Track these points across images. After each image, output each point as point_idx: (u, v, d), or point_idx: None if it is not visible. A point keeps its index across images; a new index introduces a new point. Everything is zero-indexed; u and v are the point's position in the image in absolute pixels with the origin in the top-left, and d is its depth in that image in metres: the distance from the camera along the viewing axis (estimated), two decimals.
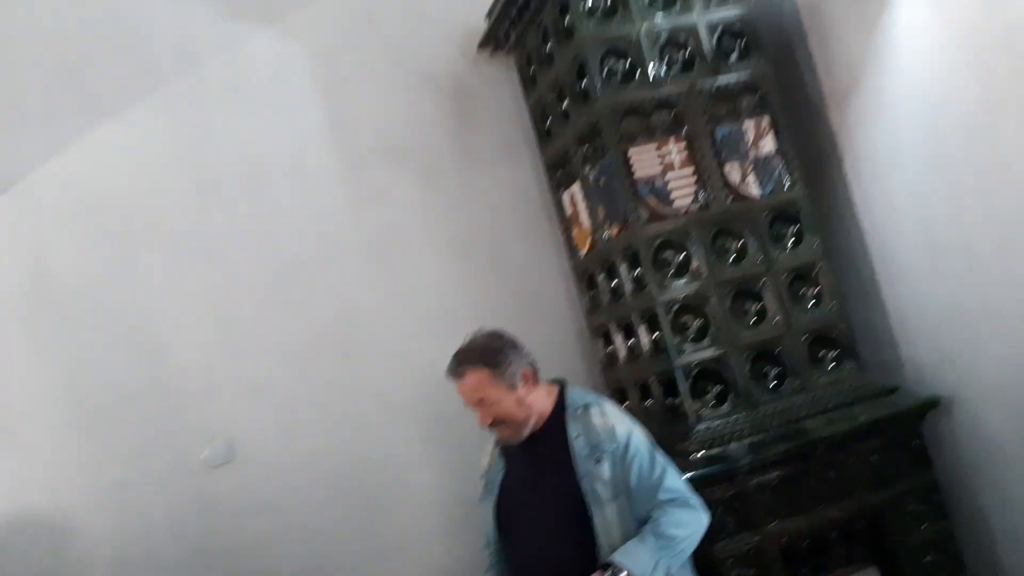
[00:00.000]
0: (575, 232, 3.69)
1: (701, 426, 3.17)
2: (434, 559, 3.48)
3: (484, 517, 2.67)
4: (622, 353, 3.54)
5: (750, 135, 3.38)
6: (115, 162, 3.47)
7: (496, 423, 2.51)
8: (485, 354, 2.50)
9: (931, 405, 3.31)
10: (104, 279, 3.41)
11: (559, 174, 3.73)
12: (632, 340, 3.45)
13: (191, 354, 3.44)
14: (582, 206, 3.56)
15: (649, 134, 3.31)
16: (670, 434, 3.24)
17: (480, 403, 2.49)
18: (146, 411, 3.38)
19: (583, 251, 3.66)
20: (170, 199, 3.50)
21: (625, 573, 2.30)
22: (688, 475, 3.00)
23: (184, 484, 3.37)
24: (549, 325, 3.79)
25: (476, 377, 2.48)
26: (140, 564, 3.28)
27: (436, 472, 3.58)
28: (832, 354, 3.36)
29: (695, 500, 2.46)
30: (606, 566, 2.32)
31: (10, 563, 3.14)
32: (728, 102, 3.40)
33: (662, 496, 2.42)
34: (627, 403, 3.58)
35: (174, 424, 3.40)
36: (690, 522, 2.41)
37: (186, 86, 3.57)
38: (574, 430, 2.50)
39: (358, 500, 3.51)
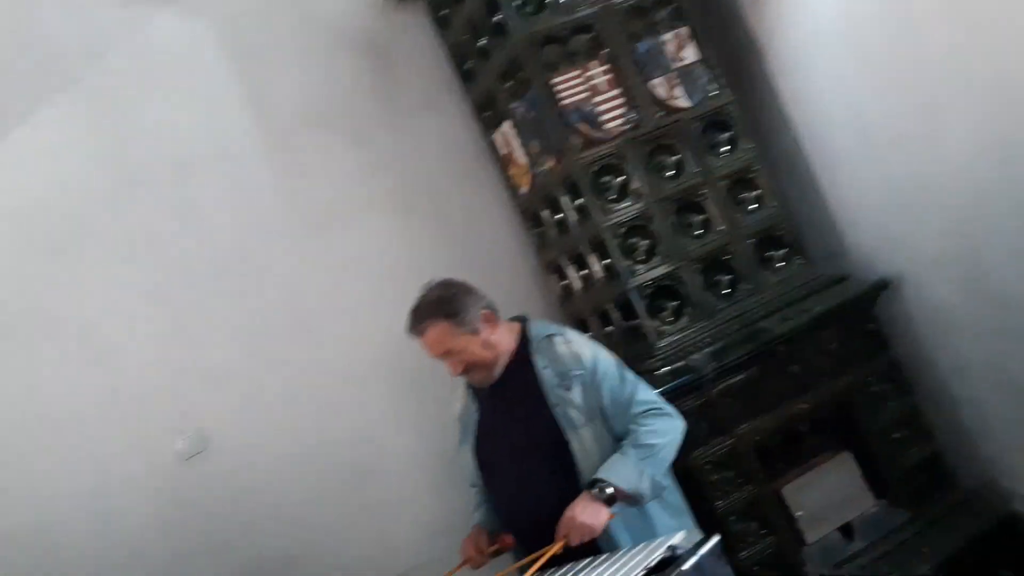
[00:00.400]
0: (512, 171, 3.67)
1: (662, 342, 3.22)
2: (426, 512, 3.50)
3: (464, 461, 2.70)
4: (577, 284, 3.56)
5: (671, 47, 3.37)
6: (32, 170, 3.35)
7: (467, 370, 2.53)
8: (441, 305, 2.51)
9: (881, 287, 3.39)
10: (40, 295, 3.31)
11: (487, 115, 3.69)
12: (584, 270, 3.47)
13: (145, 351, 3.38)
14: (515, 144, 3.54)
15: (570, 60, 3.29)
16: (634, 355, 3.27)
17: (447, 354, 2.51)
18: (110, 416, 3.32)
19: (523, 189, 3.65)
20: (96, 199, 3.39)
21: (612, 488, 2.34)
22: (658, 390, 3.05)
23: (161, 480, 3.33)
24: (502, 268, 3.78)
25: (437, 330, 2.49)
26: (127, 566, 3.26)
27: (411, 430, 3.59)
28: (779, 253, 3.41)
29: (669, 408, 2.50)
30: (592, 484, 2.36)
31: None
32: (644, 17, 3.38)
33: (636, 409, 2.46)
34: (589, 332, 3.61)
35: (141, 423, 3.35)
36: (667, 429, 2.45)
37: (96, 80, 3.44)
38: (541, 361, 2.52)
39: (337, 470, 3.50)
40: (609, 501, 2.35)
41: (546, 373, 2.50)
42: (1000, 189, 2.88)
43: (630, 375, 2.55)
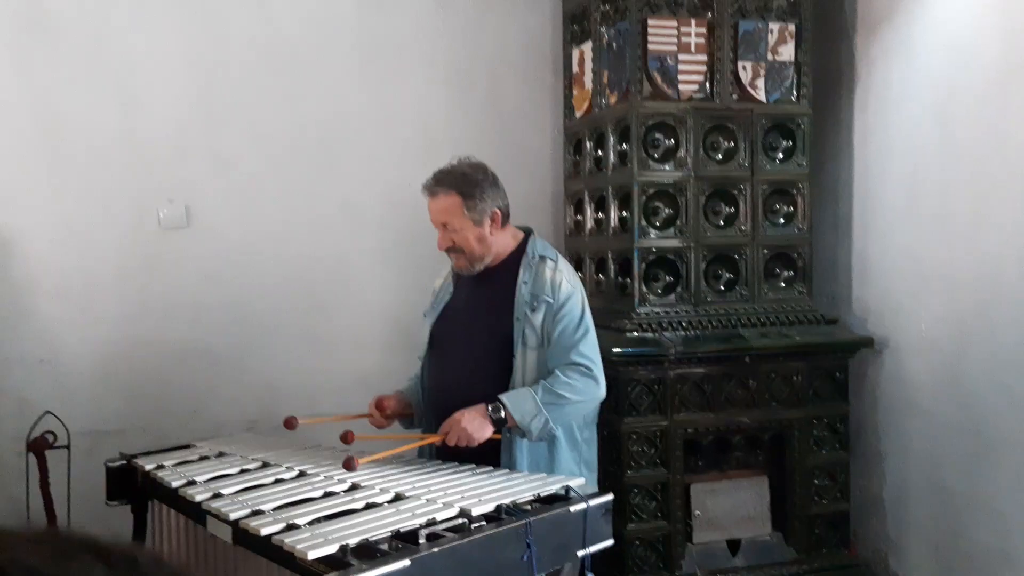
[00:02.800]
0: (575, 92, 3.65)
1: (643, 309, 3.25)
2: (364, 366, 3.57)
3: (421, 331, 2.75)
4: (589, 224, 3.57)
5: (772, 38, 3.32)
6: None
7: (453, 250, 2.56)
8: (463, 182, 2.52)
9: (864, 344, 3.41)
10: (96, 15, 3.32)
11: (575, 28, 3.65)
12: (601, 213, 3.48)
13: (165, 114, 3.40)
14: (588, 67, 3.51)
15: (673, 10, 3.24)
16: (613, 310, 3.32)
17: (444, 227, 2.53)
18: (112, 159, 3.36)
19: (579, 112, 3.62)
20: None
21: (504, 414, 2.40)
22: (619, 349, 3.11)
23: (135, 239, 3.40)
24: (527, 179, 3.78)
25: (448, 201, 2.51)
26: (77, 297, 3.33)
27: (385, 286, 3.64)
28: (787, 274, 3.43)
29: (598, 372, 2.54)
30: (492, 401, 2.43)
31: None
32: None
33: (572, 358, 2.50)
34: (580, 273, 3.63)
35: (137, 180, 3.39)
36: (584, 390, 2.49)
37: None
38: (524, 275, 2.55)
39: (303, 294, 3.57)
40: (498, 423, 2.41)
41: (523, 288, 2.54)
42: (1011, 296, 2.88)
43: (588, 324, 2.57)
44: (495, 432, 2.42)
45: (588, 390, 2.49)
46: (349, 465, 2.27)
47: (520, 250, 2.61)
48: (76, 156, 3.33)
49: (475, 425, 2.38)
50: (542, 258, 2.60)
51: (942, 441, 3.18)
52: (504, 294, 2.55)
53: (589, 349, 2.52)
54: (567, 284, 2.56)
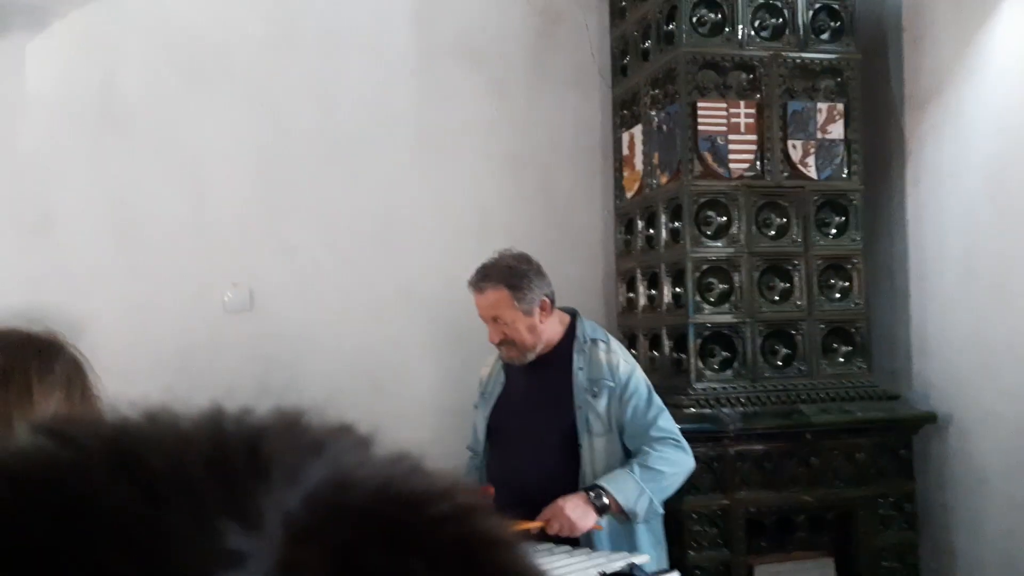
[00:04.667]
0: (626, 173, 3.72)
1: (700, 385, 3.24)
2: (418, 446, 3.58)
3: (475, 423, 2.75)
4: (642, 301, 3.60)
5: (821, 117, 3.37)
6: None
7: (504, 342, 2.57)
8: (509, 275, 2.54)
9: (928, 420, 3.35)
10: (166, 108, 3.49)
11: (625, 113, 3.74)
12: (654, 290, 3.50)
13: (231, 202, 3.54)
14: (639, 149, 3.58)
15: (722, 92, 3.32)
16: (669, 387, 3.29)
17: (494, 320, 2.55)
18: (180, 245, 3.49)
19: (629, 193, 3.69)
20: (241, 44, 3.56)
21: (608, 499, 2.38)
22: (678, 427, 3.08)
23: (200, 321, 3.49)
24: (579, 260, 3.84)
25: (496, 295, 2.53)
26: (141, 378, 3.41)
27: (437, 372, 3.67)
28: (845, 349, 3.40)
29: (685, 443, 2.53)
30: (591, 488, 2.40)
31: None
32: (808, 79, 3.39)
33: (654, 434, 2.49)
34: (634, 350, 3.64)
35: (202, 264, 3.51)
36: (678, 461, 2.48)
37: None
38: (579, 361, 2.56)
39: (360, 377, 3.61)
40: (601, 510, 2.39)
41: (580, 375, 2.55)
42: None
43: (657, 400, 2.58)
44: (597, 523, 2.39)
45: (681, 460, 2.48)
46: None
47: (569, 334, 2.62)
48: (146, 241, 3.46)
49: (578, 513, 2.35)
50: (594, 341, 2.61)
51: (1015, 519, 3.08)
52: (561, 382, 2.56)
53: (667, 422, 2.51)
54: (624, 364, 2.57)
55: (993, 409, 3.17)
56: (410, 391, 3.68)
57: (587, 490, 2.40)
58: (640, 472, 2.41)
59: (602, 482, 2.40)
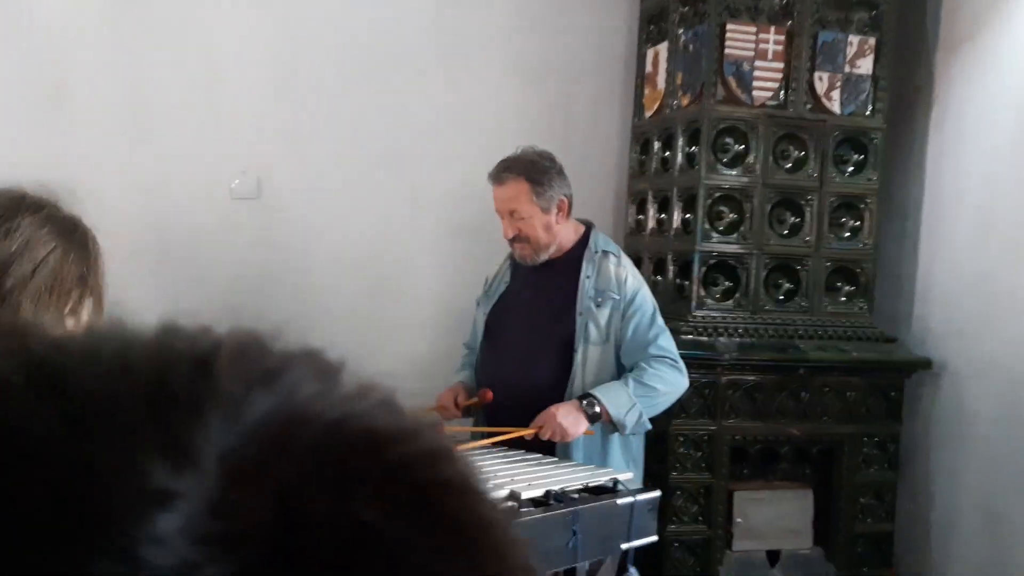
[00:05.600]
0: (647, 91, 3.65)
1: (700, 312, 3.25)
2: (418, 349, 3.63)
3: (475, 319, 2.78)
4: (650, 224, 3.58)
5: (851, 50, 3.29)
6: None
7: (518, 238, 2.56)
8: (531, 168, 2.53)
9: (923, 365, 3.37)
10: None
11: (652, 29, 3.65)
12: (664, 214, 3.48)
13: (244, 89, 3.49)
14: (662, 67, 3.51)
15: (753, 16, 3.23)
16: (670, 311, 3.30)
17: (511, 214, 2.53)
18: (192, 125, 3.46)
19: (648, 112, 3.63)
20: None
21: (599, 408, 2.41)
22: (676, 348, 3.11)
23: (206, 205, 3.49)
24: (592, 177, 3.79)
25: (515, 187, 2.51)
26: (148, 259, 3.44)
27: (444, 274, 3.68)
28: (848, 288, 3.40)
29: (682, 364, 2.56)
30: (584, 396, 2.43)
31: None
32: (842, 9, 3.29)
33: (653, 351, 2.51)
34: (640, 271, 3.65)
35: (214, 148, 3.48)
36: (673, 381, 2.51)
37: None
38: (587, 269, 2.56)
39: (364, 275, 3.63)
40: (592, 418, 2.42)
41: (587, 283, 2.55)
42: None
43: (660, 320, 2.60)
44: (589, 428, 2.43)
45: (676, 381, 2.51)
46: None
47: (582, 244, 2.62)
48: (158, 122, 3.43)
49: (570, 420, 2.39)
50: (605, 253, 2.61)
51: (996, 468, 3.13)
52: (566, 288, 2.57)
53: (667, 342, 2.54)
54: (633, 280, 2.57)
55: (989, 359, 3.18)
56: (414, 288, 3.70)
57: (580, 398, 2.43)
58: (634, 386, 2.44)
59: (595, 392, 2.43)
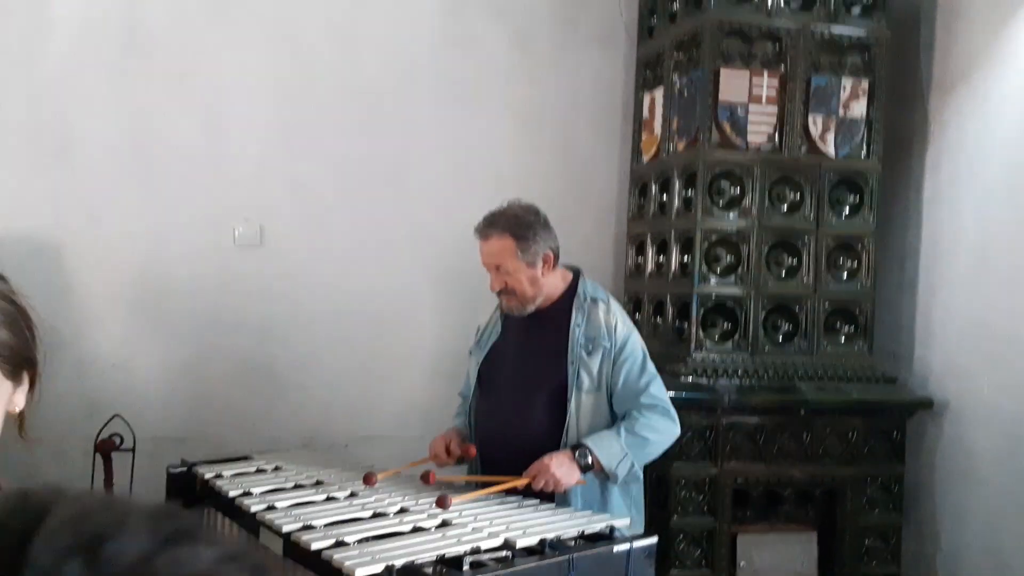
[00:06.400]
0: (644, 137, 3.69)
1: (699, 354, 3.26)
2: (416, 393, 3.65)
3: (468, 369, 2.79)
4: (649, 267, 3.60)
5: (845, 93, 3.33)
6: None
7: (505, 292, 2.58)
8: (516, 224, 2.55)
9: (923, 405, 3.36)
10: (188, 38, 3.49)
11: (648, 74, 3.70)
12: (663, 257, 3.50)
13: (247, 136, 3.55)
14: (659, 112, 3.55)
15: (747, 61, 3.28)
16: (669, 354, 3.33)
17: (497, 268, 2.56)
18: (196, 178, 3.51)
19: (646, 157, 3.67)
20: None
21: (591, 459, 2.42)
22: (672, 394, 3.10)
23: (211, 255, 3.53)
24: (592, 220, 3.85)
25: (500, 244, 2.53)
26: (152, 308, 3.48)
27: (443, 318, 3.71)
28: (848, 329, 3.40)
29: (673, 412, 2.55)
30: (576, 447, 2.44)
31: (12, 271, 3.35)
32: (835, 54, 3.34)
33: (644, 400, 2.51)
34: (638, 315, 3.67)
35: (216, 197, 3.53)
36: (664, 430, 2.51)
37: None
38: (577, 318, 2.57)
39: (365, 318, 3.66)
40: (584, 468, 2.43)
41: (577, 331, 2.56)
42: None
43: (651, 367, 2.59)
44: (581, 479, 2.43)
45: (667, 429, 2.51)
46: (442, 503, 2.24)
47: (570, 292, 2.63)
48: (162, 170, 3.49)
49: (564, 470, 2.39)
50: (594, 300, 2.61)
51: (1000, 508, 3.10)
52: (556, 337, 2.57)
53: (658, 389, 2.53)
54: (623, 327, 2.58)
55: (990, 400, 3.17)
56: (414, 335, 3.72)
57: (573, 448, 2.44)
58: (626, 436, 2.45)
59: (587, 441, 2.43)
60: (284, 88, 3.58)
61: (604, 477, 2.46)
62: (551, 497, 2.46)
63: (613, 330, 2.55)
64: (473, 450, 2.60)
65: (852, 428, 3.29)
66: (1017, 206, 3.09)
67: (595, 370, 2.52)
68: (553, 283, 2.60)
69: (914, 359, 3.54)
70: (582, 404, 2.52)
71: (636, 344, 2.57)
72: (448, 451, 2.63)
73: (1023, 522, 3.00)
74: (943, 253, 3.44)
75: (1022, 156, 3.07)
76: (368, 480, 2.44)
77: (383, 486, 2.45)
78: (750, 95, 3.26)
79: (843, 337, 3.40)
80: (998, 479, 3.13)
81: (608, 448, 2.43)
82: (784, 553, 3.29)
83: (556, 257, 2.59)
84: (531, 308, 2.58)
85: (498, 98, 3.76)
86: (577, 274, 2.68)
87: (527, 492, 2.43)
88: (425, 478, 2.41)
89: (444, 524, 2.12)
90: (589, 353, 2.52)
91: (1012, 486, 3.05)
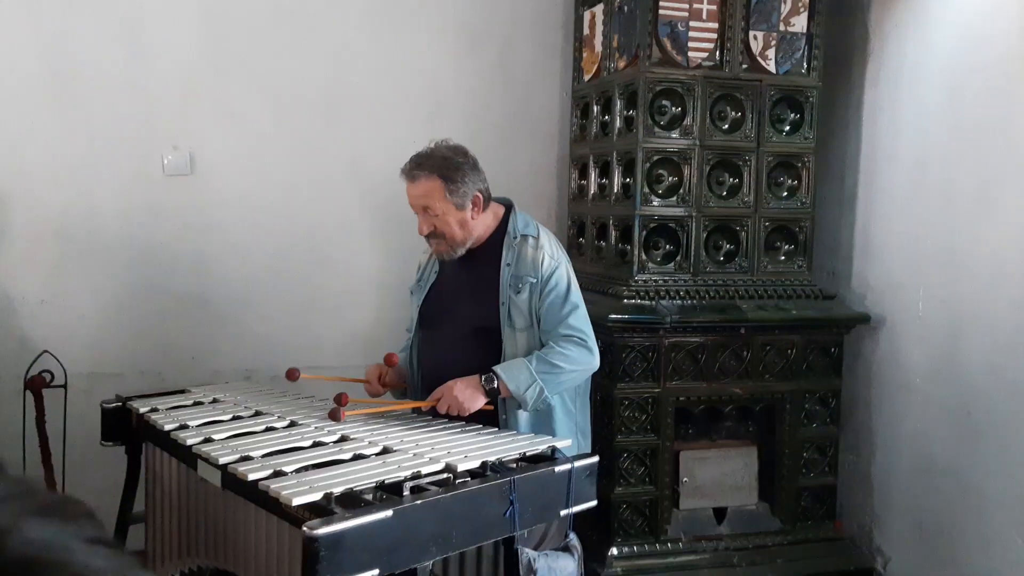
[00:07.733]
0: (585, 54, 3.62)
1: (641, 276, 3.26)
2: (359, 325, 3.61)
3: (412, 307, 2.76)
4: (592, 190, 3.57)
5: (785, 8, 3.29)
6: None
7: (434, 235, 2.53)
8: (444, 166, 2.48)
9: (862, 320, 3.42)
10: None
11: None
12: (605, 179, 3.47)
13: (173, 63, 3.40)
14: (599, 30, 3.48)
15: None
16: (612, 277, 3.33)
17: (424, 211, 2.50)
18: (119, 105, 3.36)
19: (587, 76, 3.60)
20: None
21: (497, 383, 2.42)
22: (615, 316, 3.12)
23: (139, 185, 3.41)
24: (533, 143, 3.79)
25: (428, 185, 2.47)
26: (80, 240, 3.36)
27: (385, 247, 3.65)
28: (787, 247, 3.42)
29: (591, 342, 2.55)
30: (484, 373, 2.44)
31: None
32: None
33: (562, 331, 2.51)
34: (582, 238, 3.65)
35: (143, 125, 3.39)
36: (579, 359, 2.50)
37: None
38: (507, 257, 2.55)
39: (305, 249, 3.58)
40: (491, 394, 2.43)
41: (507, 271, 2.54)
42: (1012, 280, 2.87)
43: (574, 298, 2.57)
44: (488, 403, 2.44)
45: (582, 359, 2.51)
46: (335, 416, 2.30)
47: (502, 229, 2.60)
48: (84, 100, 3.33)
49: (467, 395, 2.40)
50: (523, 236, 2.58)
51: (933, 421, 3.20)
52: (488, 277, 2.55)
53: (579, 321, 2.53)
54: (549, 260, 2.55)
55: (926, 314, 3.23)
56: (356, 267, 3.66)
57: (480, 374, 2.44)
58: (537, 364, 2.45)
59: (496, 368, 2.44)
60: (210, 10, 3.41)
61: (516, 404, 2.47)
62: (496, 423, 2.47)
63: (540, 264, 2.53)
64: (395, 358, 2.61)
65: (791, 345, 3.34)
66: (954, 121, 3.11)
67: (524, 306, 2.52)
68: (484, 223, 2.57)
69: (852, 275, 3.59)
70: (517, 342, 2.53)
71: (561, 275, 2.55)
72: (382, 381, 2.63)
73: (951, 427, 3.10)
74: (881, 170, 3.46)
75: (960, 69, 3.07)
76: (290, 375, 2.52)
77: (287, 403, 2.56)
78: (690, 10, 3.20)
79: (783, 255, 3.42)
80: (929, 389, 3.21)
81: (516, 375, 2.43)
82: (725, 468, 3.37)
83: (487, 199, 2.55)
84: (461, 251, 2.55)
85: (434, 15, 3.64)
86: (509, 208, 2.64)
87: (480, 416, 2.44)
88: (337, 400, 2.38)
89: (385, 451, 2.11)
90: (517, 291, 2.52)
91: (942, 395, 3.14)
